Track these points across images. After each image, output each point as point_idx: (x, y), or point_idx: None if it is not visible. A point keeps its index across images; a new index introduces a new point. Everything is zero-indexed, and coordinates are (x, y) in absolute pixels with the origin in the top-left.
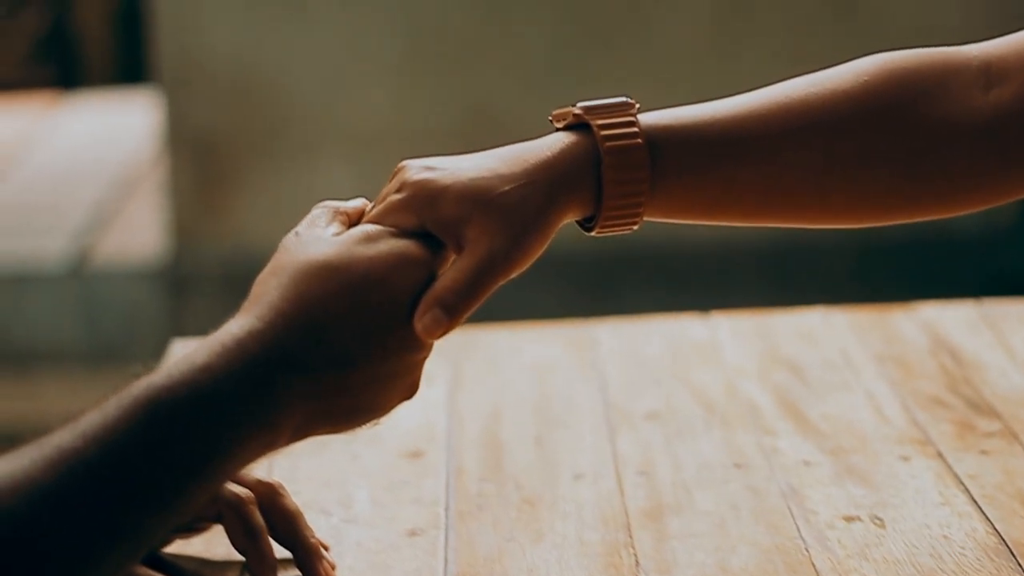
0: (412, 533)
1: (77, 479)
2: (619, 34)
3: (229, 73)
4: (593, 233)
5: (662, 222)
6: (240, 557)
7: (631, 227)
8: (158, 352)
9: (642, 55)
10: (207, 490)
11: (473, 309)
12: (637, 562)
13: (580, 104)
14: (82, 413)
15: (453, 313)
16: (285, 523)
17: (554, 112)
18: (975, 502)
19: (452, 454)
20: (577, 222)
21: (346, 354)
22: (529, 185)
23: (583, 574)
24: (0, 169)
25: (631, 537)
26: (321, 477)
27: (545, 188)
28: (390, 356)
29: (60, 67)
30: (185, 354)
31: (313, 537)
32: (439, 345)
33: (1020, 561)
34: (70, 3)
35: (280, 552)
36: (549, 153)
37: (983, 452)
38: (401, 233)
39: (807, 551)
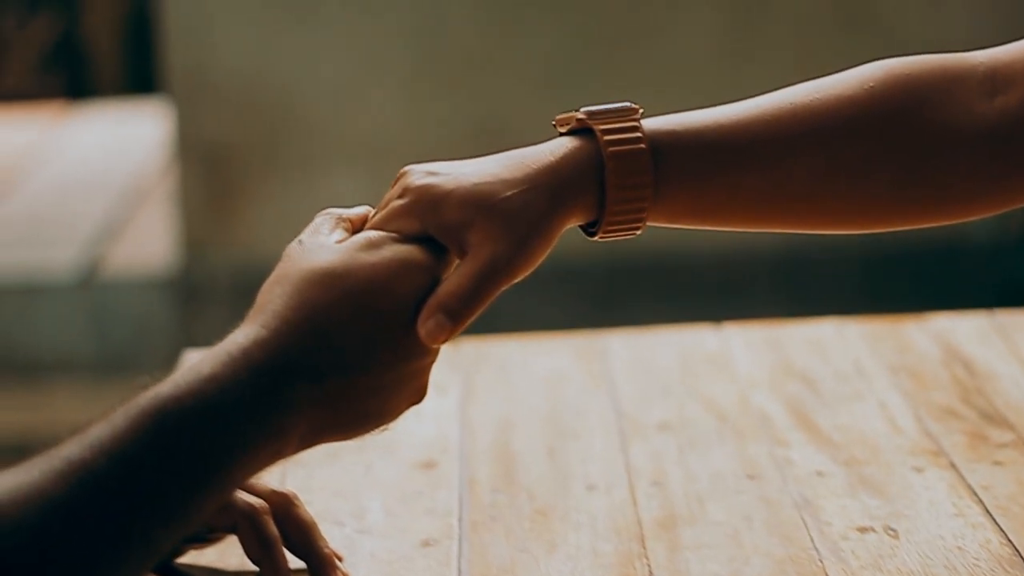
0: (425, 544)
1: (86, 490)
2: (628, 46)
3: (239, 84)
4: (596, 238)
5: (672, 233)
6: (254, 567)
7: (634, 232)
8: (168, 363)
9: (651, 67)
10: (216, 500)
11: (476, 314)
12: (651, 573)
13: (583, 109)
14: (90, 424)
15: (456, 318)
16: (300, 533)
17: (558, 117)
18: (989, 513)
19: (465, 465)
20: (580, 227)
21: (352, 361)
22: (532, 190)
23: None
24: (10, 180)
25: (644, 548)
26: (334, 487)
27: (548, 193)
28: (396, 362)
29: (70, 78)
30: (191, 364)
31: (327, 547)
32: (451, 356)
33: None
34: (80, 14)
35: (294, 562)
36: (552, 158)
37: (996, 463)
38: (404, 239)
39: (821, 562)
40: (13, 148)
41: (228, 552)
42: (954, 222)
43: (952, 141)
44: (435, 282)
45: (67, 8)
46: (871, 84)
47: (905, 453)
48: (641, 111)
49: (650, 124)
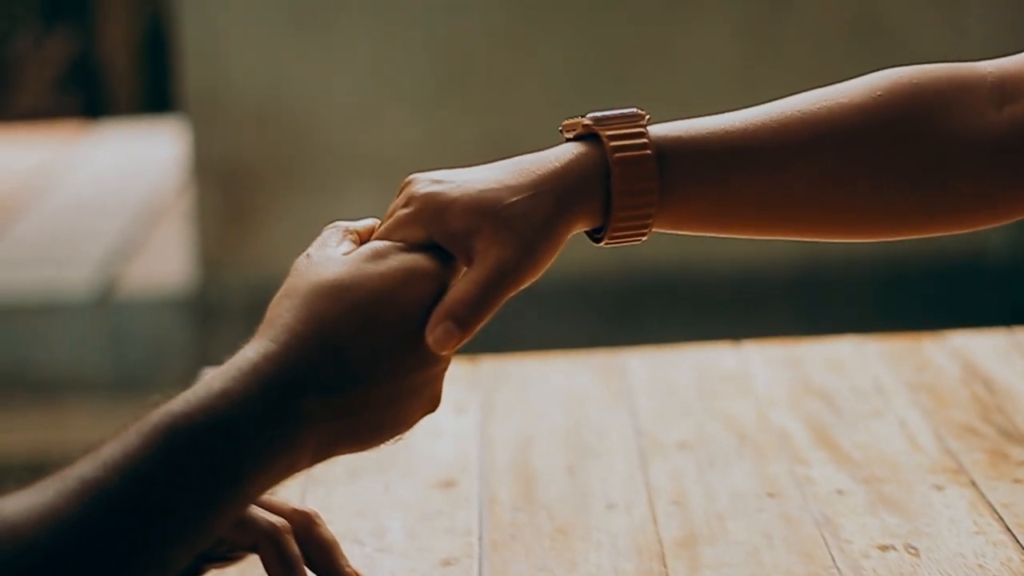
0: (446, 563)
1: (100, 509)
2: (644, 63)
3: (254, 103)
4: (602, 244)
5: (687, 251)
6: None
7: (640, 238)
8: (185, 381)
9: (667, 84)
10: (231, 515)
11: (484, 321)
12: None
13: (590, 115)
14: (103, 443)
15: (464, 325)
16: (321, 553)
17: (564, 122)
18: (1009, 531)
19: (484, 484)
20: (586, 233)
21: (363, 371)
22: (537, 196)
23: None
24: (26, 199)
25: (665, 567)
26: (354, 507)
27: (553, 198)
28: (408, 370)
29: (86, 97)
30: (203, 380)
31: (349, 567)
32: (470, 375)
33: None
34: (96, 33)
35: None
36: (557, 164)
37: (1016, 481)
38: (410, 247)
39: None
40: (29, 167)
41: (249, 571)
42: (961, 231)
43: (960, 150)
44: (443, 290)
45: (83, 27)
46: (879, 92)
47: (925, 471)
48: (648, 117)
49: (657, 130)
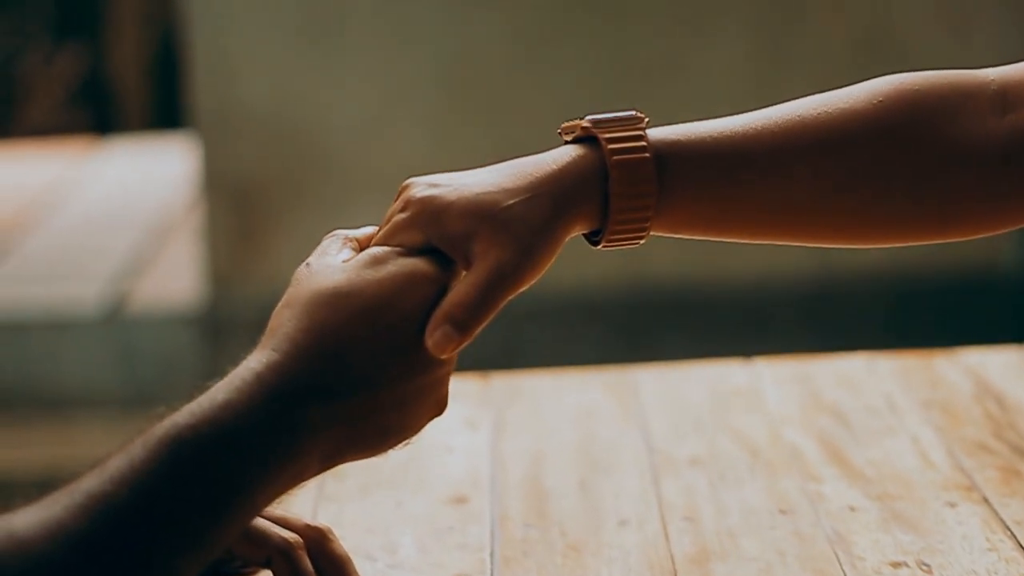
0: None
1: (107, 523)
2: (655, 79)
3: (265, 120)
4: (600, 247)
5: (697, 268)
6: None
7: (638, 241)
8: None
9: (678, 97)
10: (239, 526)
11: (484, 324)
12: None
13: (589, 117)
14: (109, 457)
15: (463, 329)
16: (334, 568)
17: (563, 124)
18: (1022, 548)
19: (496, 500)
20: (584, 236)
21: (366, 377)
22: (535, 198)
23: None
24: (37, 215)
25: None
26: (366, 523)
27: (550, 201)
28: (411, 375)
29: (96, 113)
30: (206, 392)
31: None
32: (482, 392)
33: None
34: (106, 49)
35: None
36: (555, 166)
37: None
38: (408, 252)
39: None
40: (39, 184)
41: None
42: (962, 239)
43: (961, 157)
44: (442, 293)
45: (94, 44)
46: (880, 98)
47: (938, 488)
48: (647, 120)
49: (655, 133)
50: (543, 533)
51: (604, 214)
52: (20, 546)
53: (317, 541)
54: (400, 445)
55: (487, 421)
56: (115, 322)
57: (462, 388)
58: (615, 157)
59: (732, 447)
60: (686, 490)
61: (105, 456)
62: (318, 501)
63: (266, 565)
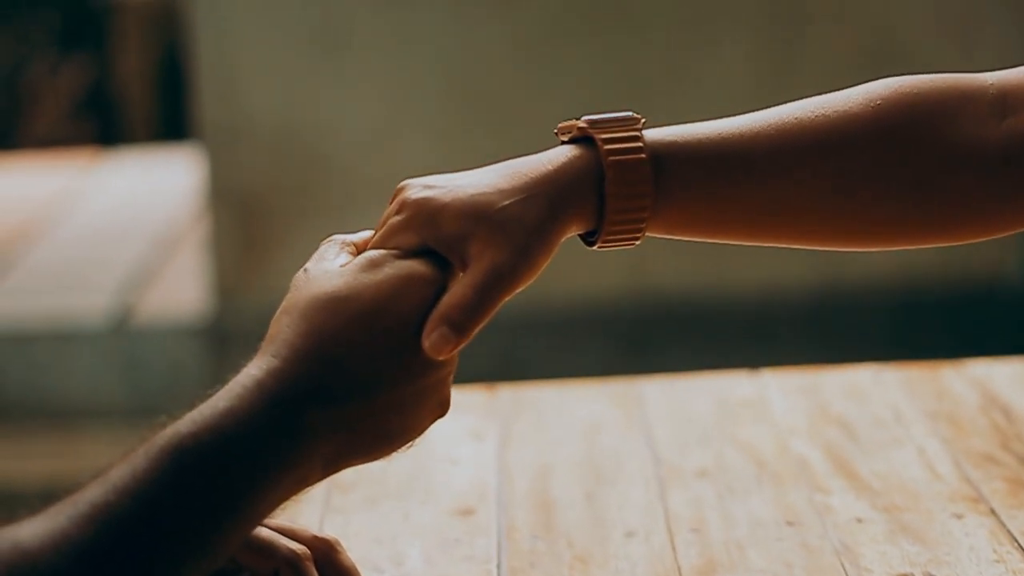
0: None
1: (111, 533)
2: (660, 86)
3: (270, 131)
4: (596, 247)
5: (703, 278)
6: None
7: (633, 242)
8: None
9: (683, 106)
10: (242, 533)
11: (481, 324)
12: None
13: (585, 117)
14: (111, 466)
15: (460, 330)
16: None
17: (560, 124)
18: None
19: (503, 512)
20: (580, 236)
21: (366, 381)
22: (530, 198)
23: None
24: (42, 226)
25: None
26: (373, 534)
27: (546, 201)
28: (411, 377)
29: (101, 124)
30: (207, 400)
31: None
32: (488, 404)
33: None
34: (111, 61)
35: None
36: (550, 166)
37: None
38: (405, 254)
39: None
40: (45, 195)
41: None
42: (959, 242)
43: (959, 160)
44: (440, 294)
45: (99, 55)
46: (879, 101)
47: (945, 500)
48: (644, 121)
49: (652, 134)
50: (550, 545)
51: (600, 215)
52: (26, 557)
53: (325, 552)
54: (404, 448)
55: (493, 433)
56: (121, 333)
57: (468, 400)
58: (611, 158)
59: (739, 458)
60: (693, 502)
61: (107, 466)
62: (325, 513)
63: None
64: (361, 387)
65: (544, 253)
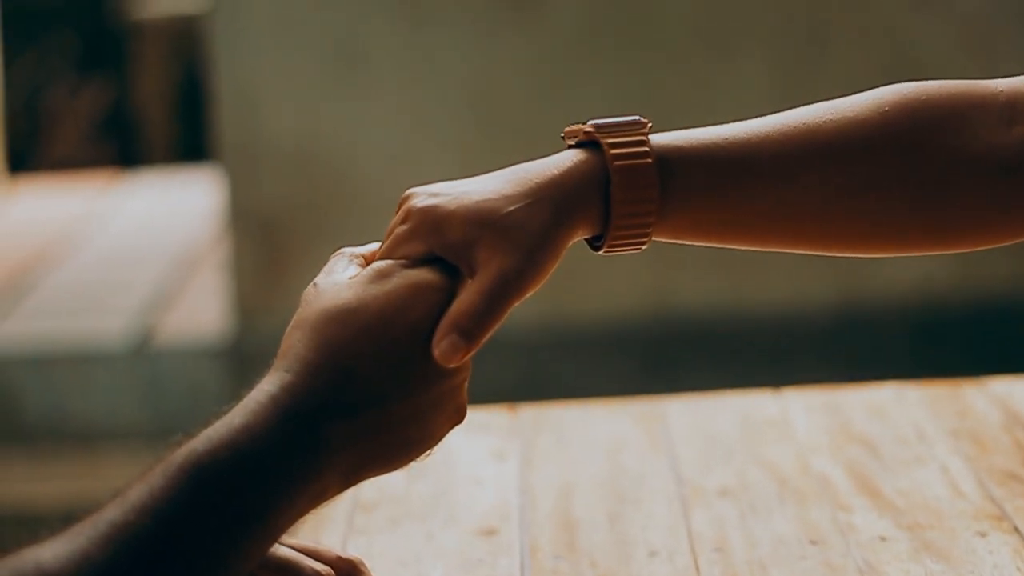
0: None
1: (131, 552)
2: (681, 103)
3: (290, 152)
4: (602, 252)
5: (723, 296)
6: None
7: (640, 247)
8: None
9: (702, 122)
10: (262, 548)
11: (491, 331)
12: None
13: (591, 121)
14: (129, 486)
15: (470, 337)
16: None
17: (566, 129)
18: None
19: (526, 532)
20: (586, 241)
21: (380, 391)
22: (535, 204)
23: None
24: (63, 248)
25: None
26: (396, 555)
27: (551, 206)
28: (425, 385)
29: (121, 146)
30: (223, 418)
31: None
32: (510, 423)
33: None
34: (131, 82)
35: None
36: (556, 171)
37: None
38: (412, 263)
39: None
40: (65, 217)
41: None
42: (967, 250)
43: (966, 168)
44: (450, 301)
45: (118, 77)
46: (886, 108)
47: (968, 518)
48: (650, 125)
49: (658, 139)
50: (573, 565)
51: (606, 219)
52: None
53: (349, 573)
54: (422, 456)
55: (516, 453)
56: (141, 355)
57: (490, 420)
58: (617, 162)
59: (762, 477)
60: (716, 521)
61: (125, 486)
62: (348, 534)
63: None
64: (375, 398)
65: (551, 258)
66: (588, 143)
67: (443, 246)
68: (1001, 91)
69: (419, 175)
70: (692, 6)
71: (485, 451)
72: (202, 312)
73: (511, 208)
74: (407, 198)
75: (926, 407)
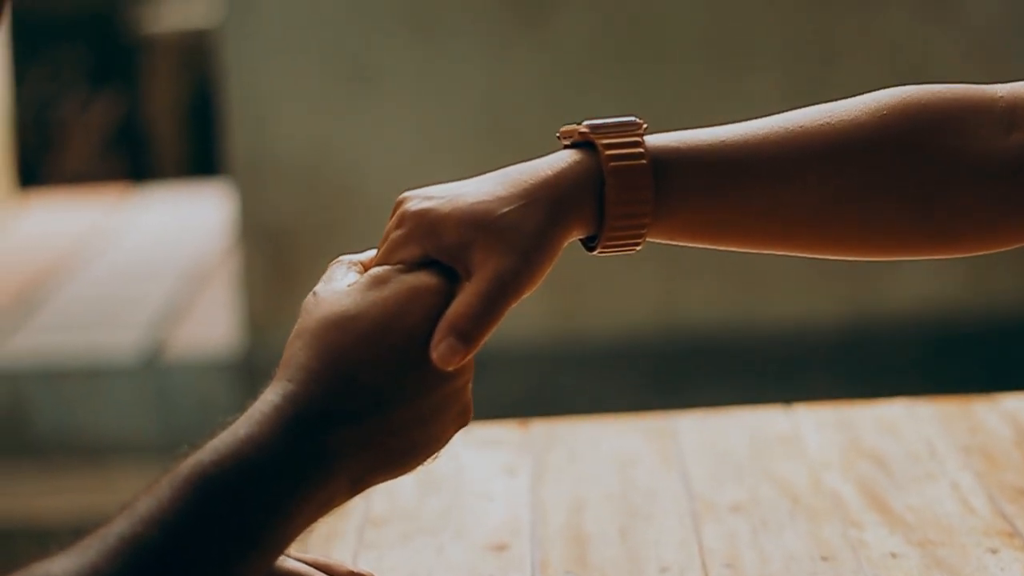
0: None
1: (139, 564)
2: (691, 116)
3: (301, 166)
4: (596, 252)
5: (733, 311)
6: None
7: (634, 248)
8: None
9: None
10: (271, 557)
11: (489, 333)
12: None
13: (587, 122)
14: (137, 498)
15: (468, 339)
16: None
17: (561, 129)
18: None
19: (537, 547)
20: (581, 241)
21: (381, 397)
22: (530, 205)
23: None
24: (73, 262)
25: None
26: (407, 570)
27: (545, 207)
28: (428, 389)
29: (132, 160)
30: (228, 428)
31: None
32: (520, 438)
33: None
34: (141, 97)
35: None
36: (550, 172)
37: None
38: (409, 268)
39: None
40: (76, 231)
41: None
42: (963, 255)
43: (964, 171)
44: (447, 303)
45: (129, 91)
46: (884, 111)
47: (979, 534)
48: (645, 126)
49: (653, 140)
50: None
51: (600, 220)
52: None
53: None
54: (429, 460)
55: (526, 468)
56: (152, 369)
57: (501, 435)
58: (612, 163)
59: (773, 493)
60: (727, 537)
61: (133, 498)
62: (359, 548)
63: None
64: (377, 403)
65: (546, 258)
66: (583, 143)
67: (439, 249)
68: (1001, 96)
69: None
70: (702, 22)
71: (496, 466)
72: (212, 326)
73: (506, 209)
74: (401, 202)
75: (937, 423)
